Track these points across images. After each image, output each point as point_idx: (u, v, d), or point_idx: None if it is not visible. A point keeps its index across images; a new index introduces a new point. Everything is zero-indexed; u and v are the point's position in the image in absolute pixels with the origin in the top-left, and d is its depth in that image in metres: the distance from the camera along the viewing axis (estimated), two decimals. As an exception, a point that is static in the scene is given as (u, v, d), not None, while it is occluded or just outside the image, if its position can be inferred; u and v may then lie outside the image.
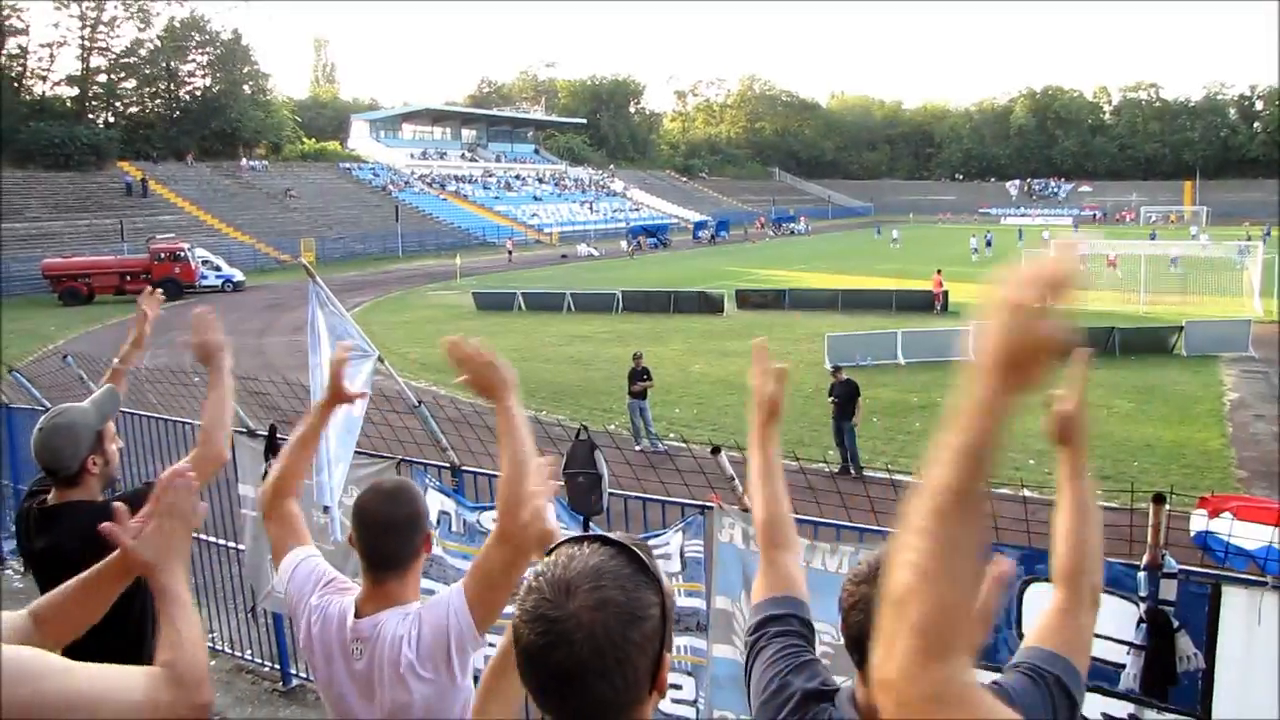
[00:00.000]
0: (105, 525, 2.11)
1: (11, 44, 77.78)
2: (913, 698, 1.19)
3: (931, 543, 1.22)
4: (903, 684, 1.19)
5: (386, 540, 2.71)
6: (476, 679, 2.56)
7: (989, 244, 66.66)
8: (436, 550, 5.81)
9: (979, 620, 1.71)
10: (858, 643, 1.95)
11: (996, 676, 1.98)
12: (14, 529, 3.95)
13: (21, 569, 7.72)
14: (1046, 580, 4.12)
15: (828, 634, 3.61)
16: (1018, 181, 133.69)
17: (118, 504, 2.24)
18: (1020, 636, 4.06)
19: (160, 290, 4.55)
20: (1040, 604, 4.11)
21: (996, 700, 1.25)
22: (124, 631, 3.59)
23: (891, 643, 1.21)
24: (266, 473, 3.18)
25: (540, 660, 1.46)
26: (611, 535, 1.59)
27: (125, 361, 4.31)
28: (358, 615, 2.71)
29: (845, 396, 16.09)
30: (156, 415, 8.19)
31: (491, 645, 2.71)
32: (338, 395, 3.13)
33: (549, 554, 1.58)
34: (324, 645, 2.75)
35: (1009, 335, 1.24)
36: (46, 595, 2.53)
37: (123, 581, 2.51)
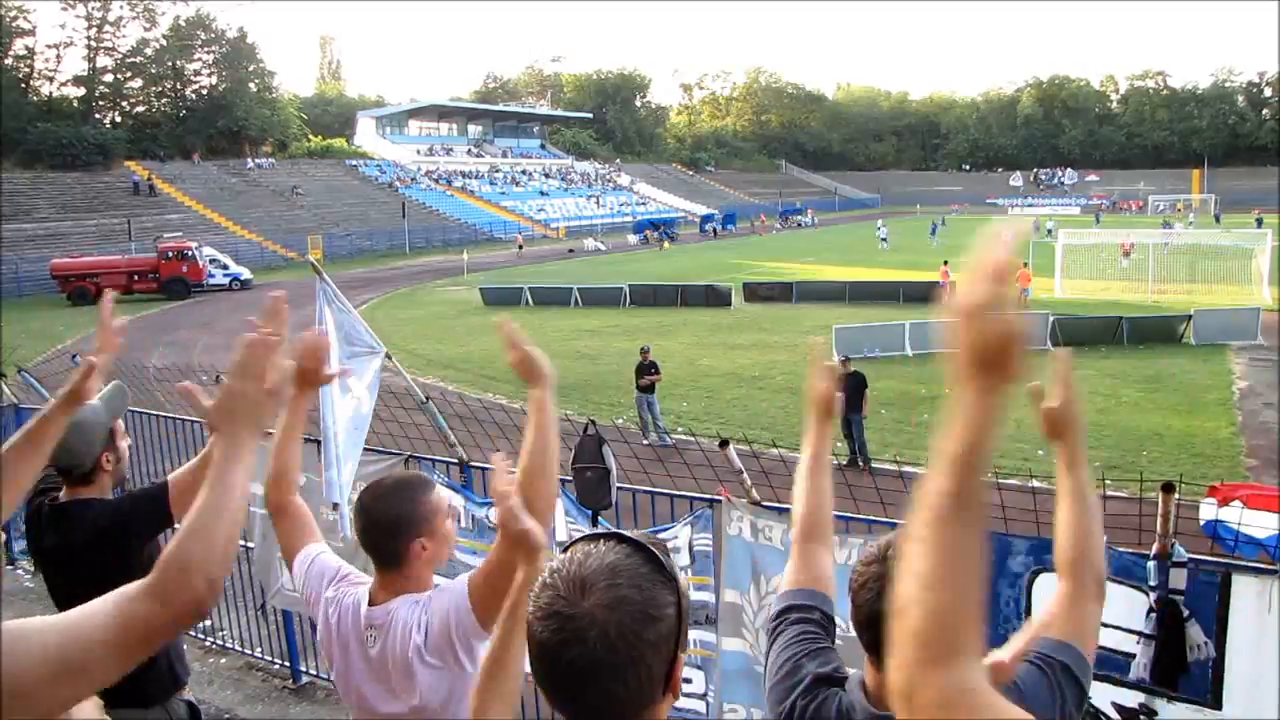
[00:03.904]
0: (184, 385, 2.03)
1: (19, 45, 77.94)
2: (921, 704, 1.19)
3: (931, 550, 1.22)
4: (910, 691, 1.20)
5: (373, 538, 2.76)
6: None
7: (933, 231, 68.91)
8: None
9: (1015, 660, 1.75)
10: (867, 624, 1.97)
11: None
12: (24, 528, 3.96)
13: (31, 569, 7.75)
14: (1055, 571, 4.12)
15: (839, 626, 3.62)
16: (1023, 172, 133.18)
17: (184, 384, 2.09)
18: (1030, 627, 4.06)
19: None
20: (1052, 593, 4.11)
21: (1007, 701, 1.25)
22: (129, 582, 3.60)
23: (897, 653, 1.22)
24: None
25: (553, 657, 1.45)
26: (628, 533, 1.58)
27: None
28: (371, 604, 2.76)
29: (852, 388, 16.04)
30: (165, 414, 8.20)
31: None
32: (307, 378, 2.92)
33: (564, 550, 1.57)
34: (340, 635, 2.80)
35: (973, 337, 1.25)
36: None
37: None
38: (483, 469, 6.13)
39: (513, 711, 2.16)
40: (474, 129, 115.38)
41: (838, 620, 2.30)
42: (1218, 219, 78.42)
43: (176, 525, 3.78)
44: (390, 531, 2.74)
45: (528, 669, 1.67)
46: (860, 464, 15.17)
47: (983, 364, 1.25)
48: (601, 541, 1.55)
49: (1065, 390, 2.16)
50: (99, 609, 1.70)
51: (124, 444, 3.85)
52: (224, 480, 1.85)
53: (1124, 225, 66.20)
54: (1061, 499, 2.18)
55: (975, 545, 1.24)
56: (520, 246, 68.87)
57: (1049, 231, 55.18)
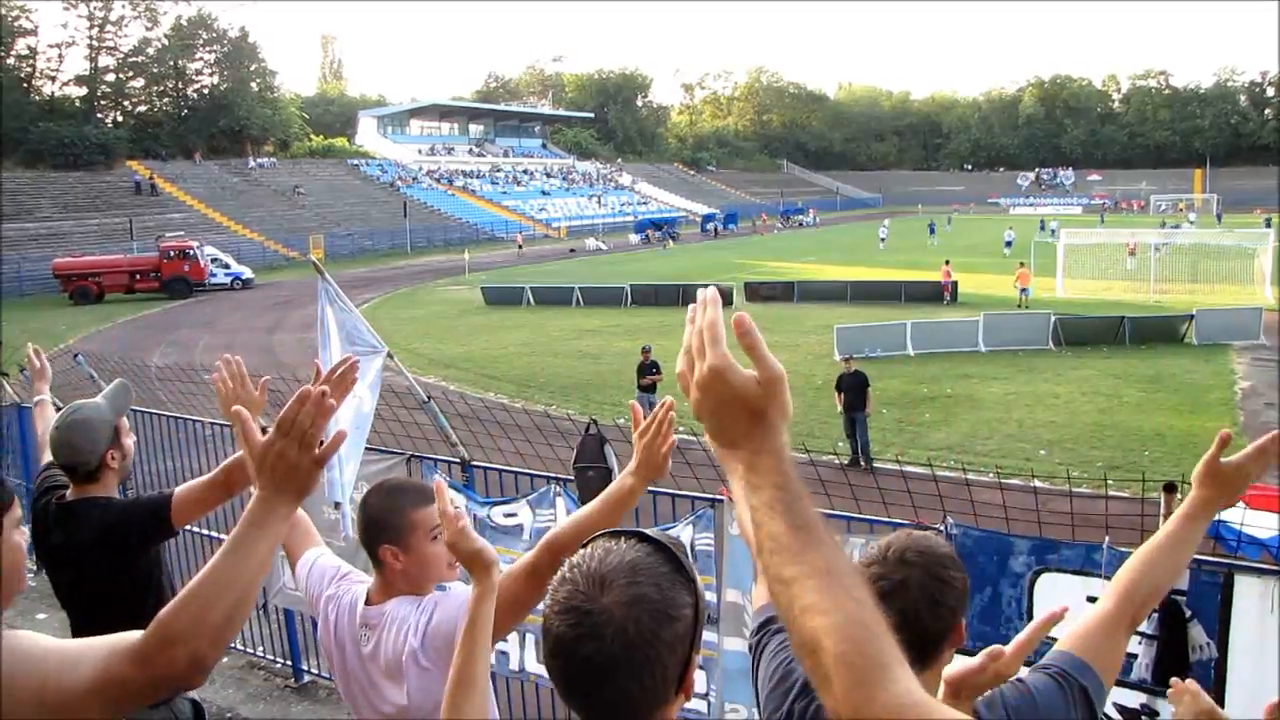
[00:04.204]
0: (237, 409, 1.89)
1: (21, 44, 77.99)
2: None
3: (807, 581, 1.20)
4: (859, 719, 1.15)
5: (358, 535, 2.81)
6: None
7: (931, 231, 69.88)
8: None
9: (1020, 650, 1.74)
10: None
11: (1023, 673, 1.98)
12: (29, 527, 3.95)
13: (34, 568, 7.76)
14: (1058, 570, 4.12)
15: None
16: (1025, 172, 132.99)
17: (237, 409, 1.97)
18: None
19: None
20: (1054, 594, 4.11)
21: (954, 710, 1.22)
22: (133, 583, 3.62)
23: (829, 687, 1.17)
24: None
25: (569, 652, 1.43)
26: (649, 532, 1.58)
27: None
28: (368, 603, 2.78)
29: (855, 387, 16.07)
30: (167, 413, 8.21)
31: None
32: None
33: (584, 546, 1.57)
34: (338, 634, 2.82)
35: (721, 404, 1.30)
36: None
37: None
38: (484, 468, 6.13)
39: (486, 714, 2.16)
40: (475, 128, 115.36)
41: None
42: (1219, 219, 78.46)
43: (181, 528, 3.81)
44: (366, 529, 2.76)
45: (542, 668, 1.66)
46: (862, 464, 15.16)
47: (748, 422, 1.27)
48: (622, 539, 1.54)
49: (1251, 464, 2.07)
50: (90, 654, 1.63)
51: (129, 441, 3.85)
52: (242, 547, 1.69)
53: (1126, 225, 66.16)
54: (1165, 537, 2.11)
55: (839, 556, 1.22)
56: (520, 246, 68.92)
57: (1052, 231, 55.24)
